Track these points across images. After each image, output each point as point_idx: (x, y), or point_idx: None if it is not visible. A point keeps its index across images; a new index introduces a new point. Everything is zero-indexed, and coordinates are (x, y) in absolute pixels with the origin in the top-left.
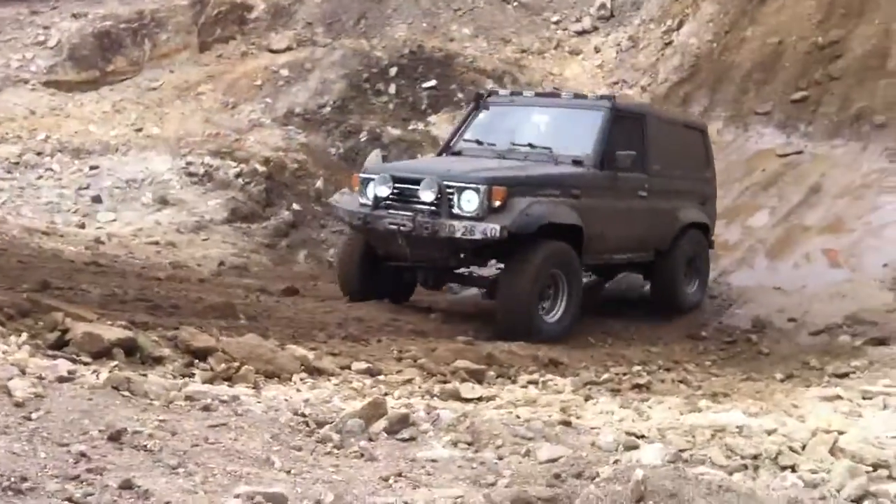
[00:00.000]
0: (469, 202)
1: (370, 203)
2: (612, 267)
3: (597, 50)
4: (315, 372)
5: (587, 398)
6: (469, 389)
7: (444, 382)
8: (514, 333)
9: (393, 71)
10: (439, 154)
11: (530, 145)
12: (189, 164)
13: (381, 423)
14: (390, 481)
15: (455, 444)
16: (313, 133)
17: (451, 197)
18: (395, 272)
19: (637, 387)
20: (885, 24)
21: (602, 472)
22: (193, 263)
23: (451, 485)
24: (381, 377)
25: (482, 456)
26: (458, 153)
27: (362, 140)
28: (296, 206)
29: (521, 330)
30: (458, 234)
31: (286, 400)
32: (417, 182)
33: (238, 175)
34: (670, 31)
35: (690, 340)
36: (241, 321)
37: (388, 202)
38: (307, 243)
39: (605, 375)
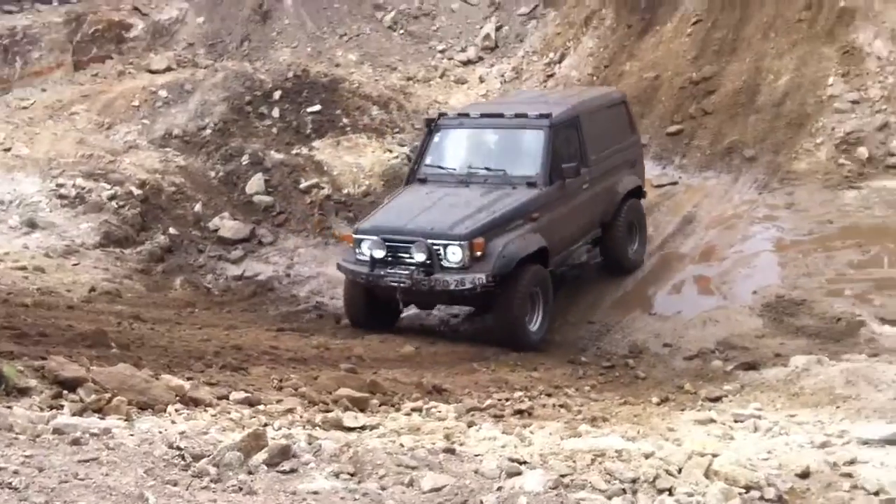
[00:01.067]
0: (454, 254)
1: (368, 262)
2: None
3: (481, 80)
4: (191, 402)
5: (470, 424)
6: (352, 418)
7: (327, 411)
8: (511, 345)
9: (277, 94)
10: (407, 181)
11: (487, 168)
12: (60, 185)
13: (261, 456)
14: None
15: (337, 475)
16: (192, 156)
17: (438, 252)
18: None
19: (519, 412)
20: (755, 62)
21: (486, 500)
22: (63, 289)
23: None
24: (261, 407)
25: (365, 487)
26: (424, 180)
27: (244, 164)
28: (172, 231)
29: (516, 342)
30: (452, 287)
31: (160, 432)
32: (408, 243)
33: (112, 198)
34: (552, 64)
35: (571, 365)
36: (112, 350)
37: (384, 261)
38: (184, 269)
39: (488, 401)
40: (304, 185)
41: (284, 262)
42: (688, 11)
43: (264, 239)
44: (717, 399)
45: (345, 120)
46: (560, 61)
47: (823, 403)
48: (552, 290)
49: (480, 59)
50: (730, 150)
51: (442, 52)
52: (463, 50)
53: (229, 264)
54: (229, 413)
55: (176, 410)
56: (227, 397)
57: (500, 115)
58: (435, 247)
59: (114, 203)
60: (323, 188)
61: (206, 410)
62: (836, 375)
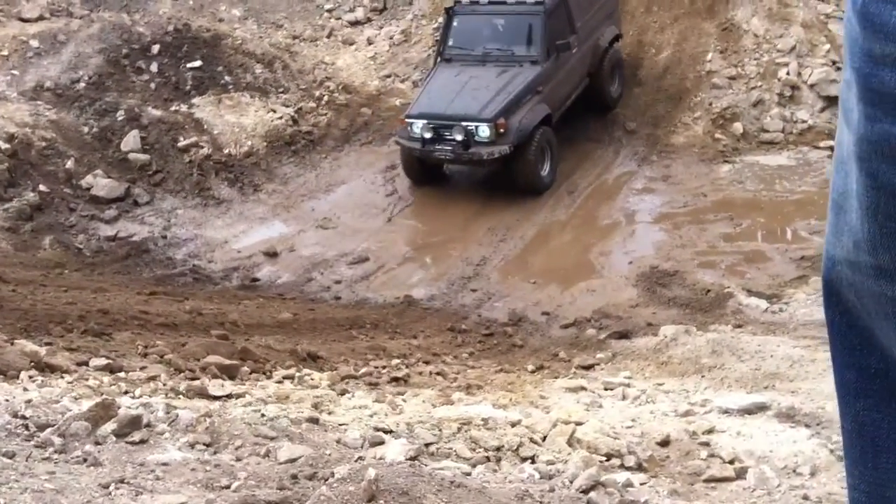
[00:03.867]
0: (484, 132)
1: (419, 140)
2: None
3: (370, 41)
4: (47, 369)
5: (343, 392)
6: (218, 387)
7: (193, 379)
8: (529, 189)
9: (155, 48)
10: (436, 59)
11: (498, 49)
12: None
13: (110, 426)
14: (110, 489)
15: (192, 445)
16: (65, 110)
17: (472, 131)
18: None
19: (395, 380)
20: (638, 35)
21: (337, 471)
22: None
23: (179, 490)
24: (122, 374)
25: (219, 458)
26: (450, 60)
27: (119, 119)
28: (42, 188)
29: (532, 187)
30: (484, 157)
31: (7, 400)
32: (449, 126)
33: None
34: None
35: (451, 333)
36: None
37: (431, 140)
38: (54, 228)
39: (364, 369)
40: (182, 143)
41: (161, 224)
42: None
43: (140, 199)
44: (589, 367)
45: (227, 77)
46: None
47: (690, 372)
48: (556, 142)
49: (369, 20)
50: (613, 122)
51: (329, 11)
52: (351, 10)
53: (102, 224)
54: (87, 380)
55: (29, 377)
56: (86, 364)
57: (504, 3)
58: (469, 127)
59: None
60: (202, 147)
61: (62, 377)
62: (703, 345)
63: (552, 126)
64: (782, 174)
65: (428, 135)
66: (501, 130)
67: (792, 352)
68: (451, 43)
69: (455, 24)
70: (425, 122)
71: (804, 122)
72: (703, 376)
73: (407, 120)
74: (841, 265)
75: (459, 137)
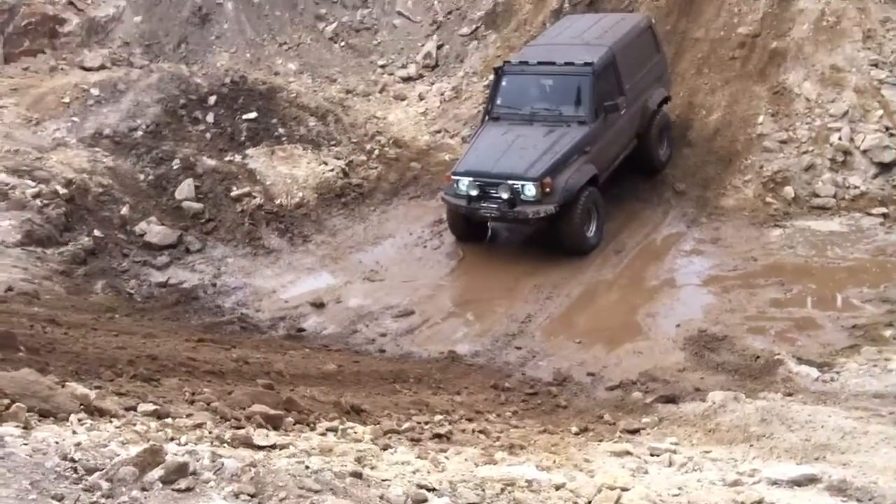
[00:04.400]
0: (530, 191)
1: (465, 197)
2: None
3: (421, 97)
4: (96, 412)
5: (385, 447)
6: (262, 436)
7: (238, 428)
8: (573, 249)
9: (212, 100)
10: (484, 117)
11: (546, 109)
12: None
13: (157, 472)
14: None
15: (237, 495)
16: (122, 157)
17: (518, 190)
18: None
19: (438, 436)
20: (688, 97)
21: None
22: None
23: None
24: (169, 420)
25: None
26: (498, 118)
27: (174, 168)
28: (97, 233)
29: (577, 247)
30: (530, 216)
31: (56, 442)
32: (495, 184)
33: (36, 195)
34: None
35: (494, 390)
36: (20, 353)
37: (477, 197)
38: (106, 273)
39: (407, 424)
40: (235, 193)
41: (211, 271)
42: None
43: (192, 246)
44: (635, 431)
45: (281, 129)
46: None
47: (738, 441)
48: (602, 203)
49: (421, 76)
50: (662, 183)
51: (382, 66)
52: (404, 66)
53: (154, 270)
54: (134, 425)
55: (79, 420)
56: (134, 408)
57: (553, 63)
58: (515, 186)
59: (38, 201)
60: (255, 197)
61: (110, 421)
62: (752, 413)
63: (599, 187)
64: (834, 240)
65: (474, 192)
66: (547, 190)
67: (843, 423)
68: (499, 102)
69: (504, 83)
70: (471, 179)
71: (856, 187)
72: (751, 445)
73: (453, 177)
74: None
75: (505, 196)
